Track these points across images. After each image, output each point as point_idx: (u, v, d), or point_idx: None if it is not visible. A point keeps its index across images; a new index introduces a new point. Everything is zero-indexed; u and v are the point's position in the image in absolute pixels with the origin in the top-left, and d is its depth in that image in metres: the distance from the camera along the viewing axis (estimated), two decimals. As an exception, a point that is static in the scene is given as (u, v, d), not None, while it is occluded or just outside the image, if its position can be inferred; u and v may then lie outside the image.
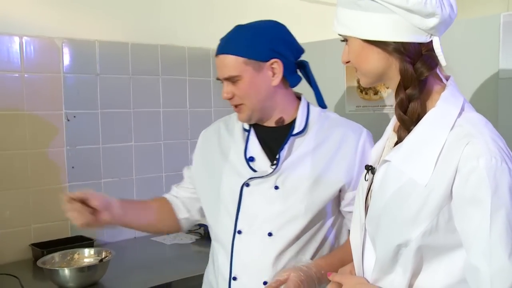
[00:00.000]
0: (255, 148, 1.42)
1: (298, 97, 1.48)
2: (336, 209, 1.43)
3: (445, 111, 0.97)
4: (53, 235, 2.19)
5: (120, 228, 2.03)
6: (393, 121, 1.13)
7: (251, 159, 1.41)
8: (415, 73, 0.98)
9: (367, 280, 1.05)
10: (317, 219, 1.38)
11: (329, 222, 1.41)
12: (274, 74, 1.37)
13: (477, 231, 0.90)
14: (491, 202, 0.88)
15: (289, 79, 1.41)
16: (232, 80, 1.36)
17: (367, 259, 1.07)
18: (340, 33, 1.07)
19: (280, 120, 1.43)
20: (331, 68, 2.27)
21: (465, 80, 1.71)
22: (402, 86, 0.99)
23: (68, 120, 2.24)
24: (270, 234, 1.36)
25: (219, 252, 1.43)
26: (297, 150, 1.39)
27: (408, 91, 0.98)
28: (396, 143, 1.03)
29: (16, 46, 2.11)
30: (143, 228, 1.63)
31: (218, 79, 1.41)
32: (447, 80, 1.03)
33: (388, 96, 2.09)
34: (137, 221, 1.53)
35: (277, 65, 1.37)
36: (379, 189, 1.03)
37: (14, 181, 2.11)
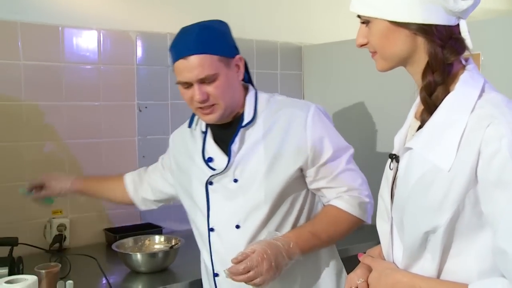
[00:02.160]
0: (212, 148, 1.45)
1: (245, 88, 1.48)
2: (302, 190, 1.43)
3: (464, 93, 0.96)
4: (125, 221, 2.29)
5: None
6: (414, 108, 1.11)
7: (210, 159, 1.44)
8: (443, 56, 0.96)
9: (396, 266, 1.05)
10: (281, 202, 1.39)
11: (298, 204, 1.42)
12: (238, 69, 1.40)
13: (503, 213, 0.88)
14: None
15: (244, 75, 1.45)
16: (209, 79, 1.34)
17: (396, 247, 1.07)
18: (362, 14, 1.03)
19: (237, 114, 1.44)
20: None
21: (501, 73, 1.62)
22: (429, 69, 0.97)
23: (140, 111, 2.32)
24: (237, 227, 1.39)
25: (202, 250, 1.51)
26: (248, 140, 1.41)
27: (436, 74, 0.97)
28: (419, 128, 1.01)
29: (93, 39, 2.21)
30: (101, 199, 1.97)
31: (181, 82, 1.36)
32: (466, 61, 1.01)
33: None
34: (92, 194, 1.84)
35: (241, 61, 1.40)
36: (403, 177, 1.01)
37: (89, 168, 2.22)
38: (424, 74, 0.99)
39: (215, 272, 1.46)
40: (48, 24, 2.12)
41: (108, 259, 2.04)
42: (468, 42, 0.99)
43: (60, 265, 1.57)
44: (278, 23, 2.69)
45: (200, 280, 1.69)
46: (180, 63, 1.35)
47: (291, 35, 2.74)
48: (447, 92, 0.97)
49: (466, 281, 0.94)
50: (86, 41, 2.20)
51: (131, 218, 2.31)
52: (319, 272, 1.49)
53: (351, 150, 1.46)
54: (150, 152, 2.35)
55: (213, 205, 1.44)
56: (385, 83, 2.30)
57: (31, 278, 1.37)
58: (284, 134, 1.39)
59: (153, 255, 1.81)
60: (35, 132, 2.10)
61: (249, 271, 1.26)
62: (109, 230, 2.20)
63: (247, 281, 1.27)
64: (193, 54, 1.33)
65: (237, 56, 1.41)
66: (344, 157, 1.42)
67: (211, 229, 1.45)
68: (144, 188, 1.73)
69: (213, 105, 1.38)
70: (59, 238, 2.08)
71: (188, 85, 1.37)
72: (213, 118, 1.41)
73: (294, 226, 1.42)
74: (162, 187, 1.70)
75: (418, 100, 1.11)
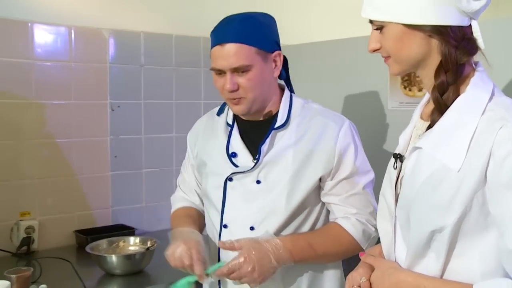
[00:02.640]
0: (237, 143, 1.42)
1: (282, 89, 1.46)
2: (319, 202, 1.42)
3: (475, 96, 0.97)
4: (95, 222, 2.24)
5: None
6: (420, 109, 1.12)
7: (234, 154, 1.41)
8: (456, 57, 0.98)
9: (399, 265, 1.06)
10: (299, 211, 1.38)
11: (314, 214, 1.41)
12: (276, 65, 1.38)
13: None
14: None
15: (282, 71, 1.42)
16: (242, 69, 1.32)
17: (399, 246, 1.07)
18: (376, 19, 1.03)
19: (269, 113, 1.42)
20: (374, 63, 2.25)
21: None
22: (442, 69, 0.99)
23: (113, 110, 2.28)
24: (252, 228, 1.37)
25: (210, 245, 1.46)
26: (278, 143, 1.38)
27: (449, 74, 0.98)
28: (428, 128, 1.03)
29: (65, 36, 2.15)
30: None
31: (215, 69, 1.35)
32: (475, 65, 1.03)
33: (434, 93, 2.07)
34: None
35: (279, 57, 1.38)
36: (410, 176, 1.02)
37: (59, 169, 2.16)
38: (437, 73, 1.00)
39: None
40: (17, 19, 2.05)
41: (80, 261, 1.98)
42: (480, 42, 1.01)
43: (32, 269, 1.52)
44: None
45: (171, 283, 1.69)
46: (217, 49, 1.33)
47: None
48: (457, 93, 0.99)
49: (469, 281, 0.95)
50: (57, 38, 2.14)
51: (102, 219, 2.26)
52: (324, 285, 1.45)
53: (372, 176, 1.42)
54: (123, 152, 2.31)
55: (230, 202, 1.40)
56: (355, 84, 2.35)
57: (2, 284, 1.31)
58: (315, 144, 1.37)
59: (129, 257, 1.78)
60: (1, 131, 2.03)
61: (232, 273, 1.25)
62: (80, 232, 2.15)
63: (234, 280, 1.27)
64: (230, 42, 1.31)
65: (276, 52, 1.37)
66: (363, 181, 1.39)
67: (224, 226, 1.41)
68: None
69: (241, 98, 1.35)
70: (27, 240, 2.01)
71: (221, 72, 1.34)
72: (240, 109, 1.38)
73: None
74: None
75: (423, 101, 1.12)
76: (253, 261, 1.24)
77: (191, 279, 1.29)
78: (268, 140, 1.38)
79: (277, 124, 1.39)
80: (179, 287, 1.30)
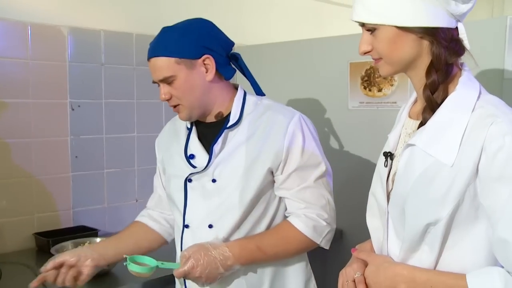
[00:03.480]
0: (195, 145, 1.47)
1: (236, 88, 1.50)
2: (276, 196, 1.44)
3: (465, 94, 1.02)
4: (56, 224, 2.18)
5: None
6: (407, 108, 1.17)
7: (191, 156, 1.46)
8: (446, 57, 1.03)
9: (392, 259, 1.09)
10: (255, 207, 1.41)
11: (271, 209, 1.44)
12: (207, 70, 1.40)
13: (505, 206, 0.94)
14: None
15: (223, 73, 1.43)
16: (168, 81, 1.38)
17: (392, 241, 1.11)
18: (369, 22, 1.05)
19: (220, 114, 1.46)
20: (334, 64, 2.32)
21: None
22: (433, 69, 1.04)
23: (73, 110, 2.22)
24: (210, 226, 1.42)
25: (177, 246, 1.52)
26: (231, 142, 1.42)
27: (439, 73, 1.03)
28: (419, 126, 1.07)
29: (22, 33, 2.08)
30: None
31: (154, 82, 1.43)
32: (462, 66, 1.08)
33: (392, 93, 2.15)
34: (120, 255, 1.48)
35: (209, 61, 1.40)
36: (404, 173, 1.06)
37: (17, 170, 2.09)
38: (428, 73, 1.04)
39: None
40: (-29, 15, 1.97)
41: (41, 265, 1.91)
42: (466, 43, 1.07)
43: None
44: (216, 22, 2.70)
45: (142, 284, 1.68)
46: (148, 63, 1.41)
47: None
48: (446, 92, 1.04)
49: (461, 272, 0.99)
50: (13, 35, 2.06)
51: (63, 221, 2.21)
52: (288, 277, 1.48)
53: (323, 168, 1.42)
54: (83, 152, 2.26)
55: (190, 202, 1.45)
56: (316, 84, 2.40)
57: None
58: (265, 139, 1.40)
59: (95, 258, 1.74)
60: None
61: (187, 275, 1.32)
62: (40, 234, 2.09)
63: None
64: (152, 57, 1.39)
65: (205, 56, 1.39)
66: (314, 174, 1.41)
67: (186, 226, 1.46)
68: (161, 211, 1.63)
69: (178, 104, 1.42)
70: (-17, 245, 1.94)
71: (159, 84, 1.42)
72: (182, 116, 1.44)
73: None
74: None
75: (410, 101, 1.17)
76: (202, 266, 1.31)
77: (152, 263, 1.36)
78: (220, 140, 1.42)
79: (229, 124, 1.43)
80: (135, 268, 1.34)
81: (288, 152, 1.39)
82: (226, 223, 1.40)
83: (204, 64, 1.39)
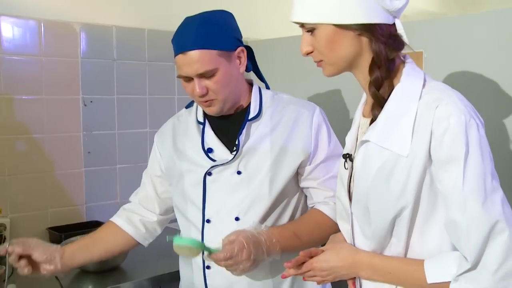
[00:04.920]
0: (211, 139, 1.44)
1: (249, 83, 1.50)
2: (298, 188, 1.46)
3: (410, 84, 1.03)
4: (69, 219, 2.21)
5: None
6: (360, 108, 1.17)
7: (210, 150, 1.43)
8: (386, 53, 1.03)
9: (353, 247, 1.12)
10: (282, 197, 1.41)
11: (293, 202, 1.45)
12: (240, 62, 1.40)
13: (455, 186, 0.94)
14: (463, 157, 0.93)
15: (247, 65, 1.44)
16: (208, 74, 1.34)
17: (359, 241, 1.12)
18: (307, 22, 1.06)
19: (240, 106, 1.46)
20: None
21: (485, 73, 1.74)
22: (375, 66, 1.04)
23: (85, 105, 2.24)
24: (237, 219, 1.39)
25: None
26: (254, 134, 1.41)
27: (381, 69, 1.04)
28: (371, 123, 1.07)
29: (35, 30, 2.11)
30: (100, 259, 1.59)
31: (182, 76, 1.37)
32: (404, 58, 1.09)
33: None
34: (89, 260, 1.55)
35: (243, 53, 1.40)
36: (362, 170, 1.07)
37: (31, 166, 2.12)
38: (371, 70, 1.05)
39: (206, 264, 1.42)
40: (-16, 12, 2.00)
41: (53, 259, 1.95)
42: (405, 38, 1.07)
43: (4, 268, 1.49)
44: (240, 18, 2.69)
45: (148, 279, 1.68)
46: (180, 57, 1.34)
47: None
48: (392, 86, 1.04)
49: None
50: (26, 32, 2.09)
51: (76, 216, 2.24)
52: None
53: None
54: (96, 148, 2.28)
55: (211, 196, 1.41)
56: (330, 80, 2.36)
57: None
58: (291, 130, 1.41)
59: (104, 253, 1.75)
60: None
61: (229, 259, 1.26)
62: (54, 229, 2.12)
63: (226, 268, 1.28)
64: (192, 50, 1.32)
65: (239, 48, 1.39)
66: (338, 163, 1.39)
67: (207, 221, 1.42)
68: (142, 212, 1.60)
69: (212, 99, 1.38)
70: (-2, 239, 1.97)
71: (188, 79, 1.36)
72: (213, 110, 1.41)
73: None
74: (166, 191, 1.59)
75: (363, 100, 1.17)
76: (250, 250, 1.26)
77: (195, 244, 1.30)
78: (244, 131, 1.41)
79: (251, 116, 1.42)
80: (184, 241, 1.30)
81: (316, 143, 1.41)
82: (254, 215, 1.38)
83: (238, 56, 1.39)
